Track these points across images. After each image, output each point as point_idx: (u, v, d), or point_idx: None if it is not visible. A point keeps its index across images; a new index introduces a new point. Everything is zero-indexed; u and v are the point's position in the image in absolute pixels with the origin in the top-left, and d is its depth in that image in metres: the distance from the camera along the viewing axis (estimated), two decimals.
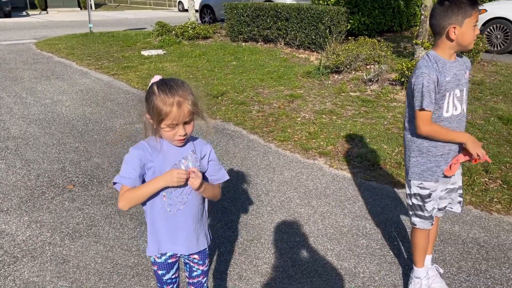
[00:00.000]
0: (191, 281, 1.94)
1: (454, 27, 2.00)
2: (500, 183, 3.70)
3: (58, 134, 4.97)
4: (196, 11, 14.45)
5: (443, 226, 3.11)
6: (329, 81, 7.08)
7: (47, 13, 26.56)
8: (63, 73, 8.06)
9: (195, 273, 1.92)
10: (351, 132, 4.91)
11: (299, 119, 5.43)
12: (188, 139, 1.72)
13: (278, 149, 4.59)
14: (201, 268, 1.91)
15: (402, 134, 4.76)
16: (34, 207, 3.37)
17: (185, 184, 1.65)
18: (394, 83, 6.56)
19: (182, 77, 7.51)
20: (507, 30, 8.78)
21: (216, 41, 11.45)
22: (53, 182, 3.80)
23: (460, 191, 2.37)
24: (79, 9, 30.50)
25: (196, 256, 1.87)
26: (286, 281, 2.57)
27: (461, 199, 2.39)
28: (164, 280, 1.88)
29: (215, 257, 2.78)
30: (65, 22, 19.05)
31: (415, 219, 2.32)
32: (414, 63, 6.34)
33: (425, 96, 2.03)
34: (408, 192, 2.33)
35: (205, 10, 15.39)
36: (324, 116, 5.48)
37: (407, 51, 8.82)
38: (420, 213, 2.28)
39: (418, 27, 7.58)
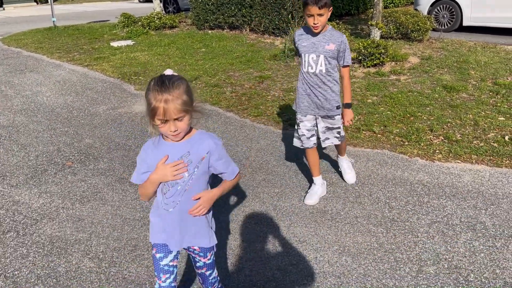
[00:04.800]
0: (197, 271, 2.02)
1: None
2: (442, 138, 4.39)
3: (46, 121, 5.31)
4: (160, 1, 14.66)
5: (395, 173, 3.75)
6: (295, 63, 7.65)
7: (3, 9, 25.76)
8: (36, 66, 8.25)
9: (198, 264, 1.98)
10: None
11: (269, 97, 5.97)
12: (192, 135, 1.78)
13: (253, 123, 5.12)
14: (202, 260, 1.95)
15: (361, 105, 5.43)
16: (40, 181, 3.77)
17: (179, 185, 1.77)
18: (352, 61, 7.20)
19: (155, 65, 7.91)
20: (453, 10, 9.62)
21: (183, 30, 11.78)
22: (52, 161, 4.19)
23: (339, 130, 3.26)
24: (35, 3, 29.66)
25: (196, 248, 1.91)
26: (270, 221, 3.13)
27: (339, 136, 3.28)
28: (161, 267, 1.89)
29: None
30: (24, 18, 18.68)
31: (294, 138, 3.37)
32: (369, 42, 7.00)
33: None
34: None
35: (168, 0, 15.60)
36: (292, 93, 6.05)
37: (364, 32, 9.52)
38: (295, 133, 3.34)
39: (372, 9, 8.24)
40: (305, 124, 3.24)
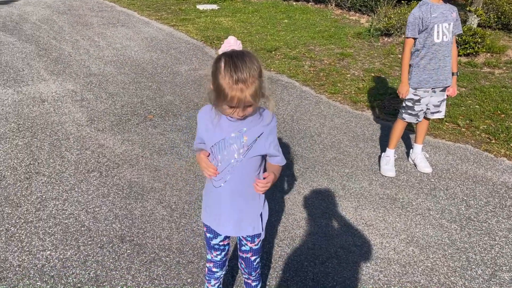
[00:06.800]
0: (240, 254, 1.89)
1: None
2: None
3: (132, 74, 5.60)
4: None
5: (477, 170, 3.53)
6: (379, 43, 7.33)
7: None
8: (127, 21, 8.66)
9: (243, 248, 1.85)
10: None
11: (348, 75, 5.81)
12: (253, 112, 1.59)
13: (328, 100, 5.03)
14: (249, 244, 1.82)
15: None
16: (124, 130, 4.02)
17: (231, 161, 1.64)
18: None
19: (237, 32, 7.96)
20: None
21: None
22: (135, 112, 4.43)
23: (445, 103, 3.42)
24: None
25: None
26: (337, 199, 3.10)
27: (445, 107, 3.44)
28: (211, 245, 1.85)
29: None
30: None
31: (405, 115, 3.40)
32: (465, 29, 6.49)
33: (409, 28, 3.14)
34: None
35: None
36: (372, 74, 5.83)
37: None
38: (410, 111, 3.37)
39: None
40: (424, 100, 3.32)
